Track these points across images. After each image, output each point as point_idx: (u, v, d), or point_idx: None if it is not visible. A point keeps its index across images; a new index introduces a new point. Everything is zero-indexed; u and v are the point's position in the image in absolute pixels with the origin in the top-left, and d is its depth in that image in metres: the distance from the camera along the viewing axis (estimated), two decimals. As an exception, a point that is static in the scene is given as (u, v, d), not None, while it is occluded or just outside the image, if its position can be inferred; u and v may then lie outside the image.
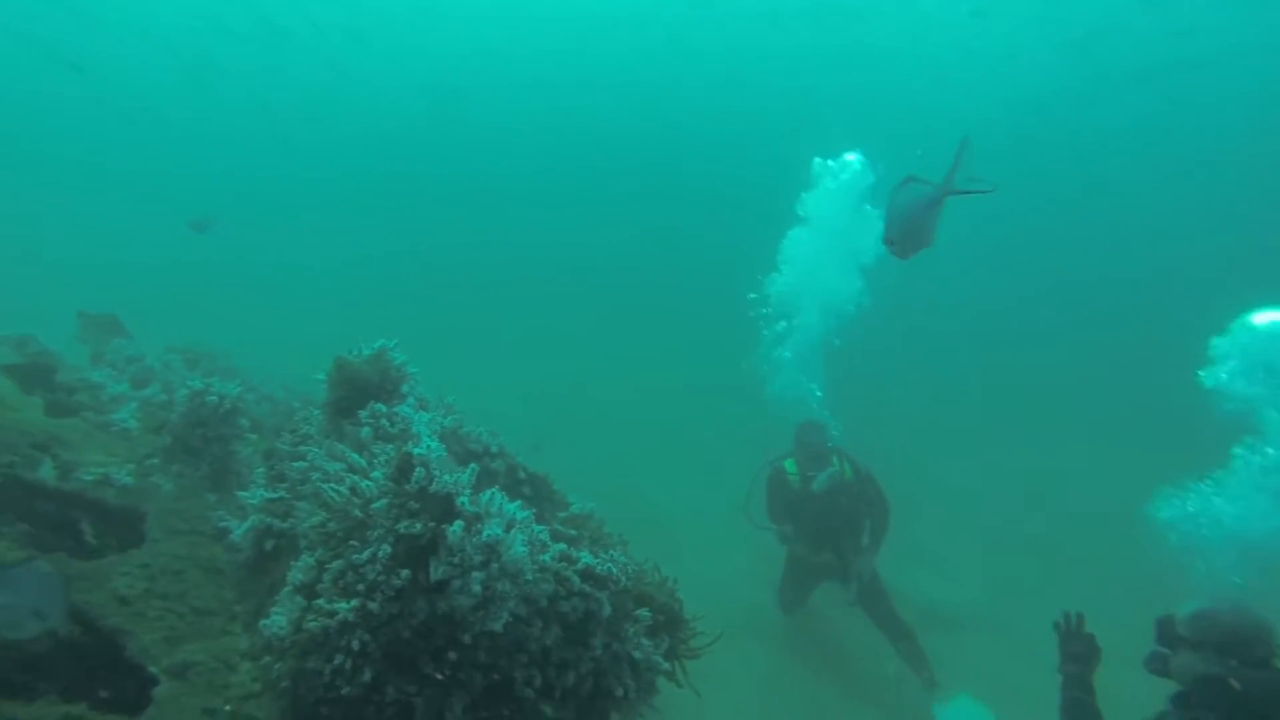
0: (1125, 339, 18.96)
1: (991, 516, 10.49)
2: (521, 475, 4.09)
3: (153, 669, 3.03)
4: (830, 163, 9.46)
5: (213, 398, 4.55)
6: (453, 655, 2.60)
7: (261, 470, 3.86)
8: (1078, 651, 3.49)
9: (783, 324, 9.48)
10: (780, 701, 6.27)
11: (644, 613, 3.01)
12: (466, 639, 2.58)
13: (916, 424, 13.66)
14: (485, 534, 2.61)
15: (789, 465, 7.08)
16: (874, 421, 10.54)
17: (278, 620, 2.65)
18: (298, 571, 2.75)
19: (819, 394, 9.00)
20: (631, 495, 9.01)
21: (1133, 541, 8.20)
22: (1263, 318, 6.41)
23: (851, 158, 9.32)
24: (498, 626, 2.58)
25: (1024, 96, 21.94)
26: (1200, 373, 6.67)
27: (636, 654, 2.88)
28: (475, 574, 2.56)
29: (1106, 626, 3.76)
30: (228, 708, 2.88)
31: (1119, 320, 20.67)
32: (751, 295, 9.70)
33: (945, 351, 19.37)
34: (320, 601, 2.57)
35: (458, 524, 2.59)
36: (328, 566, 2.66)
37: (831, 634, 7.20)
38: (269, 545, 3.39)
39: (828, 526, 6.82)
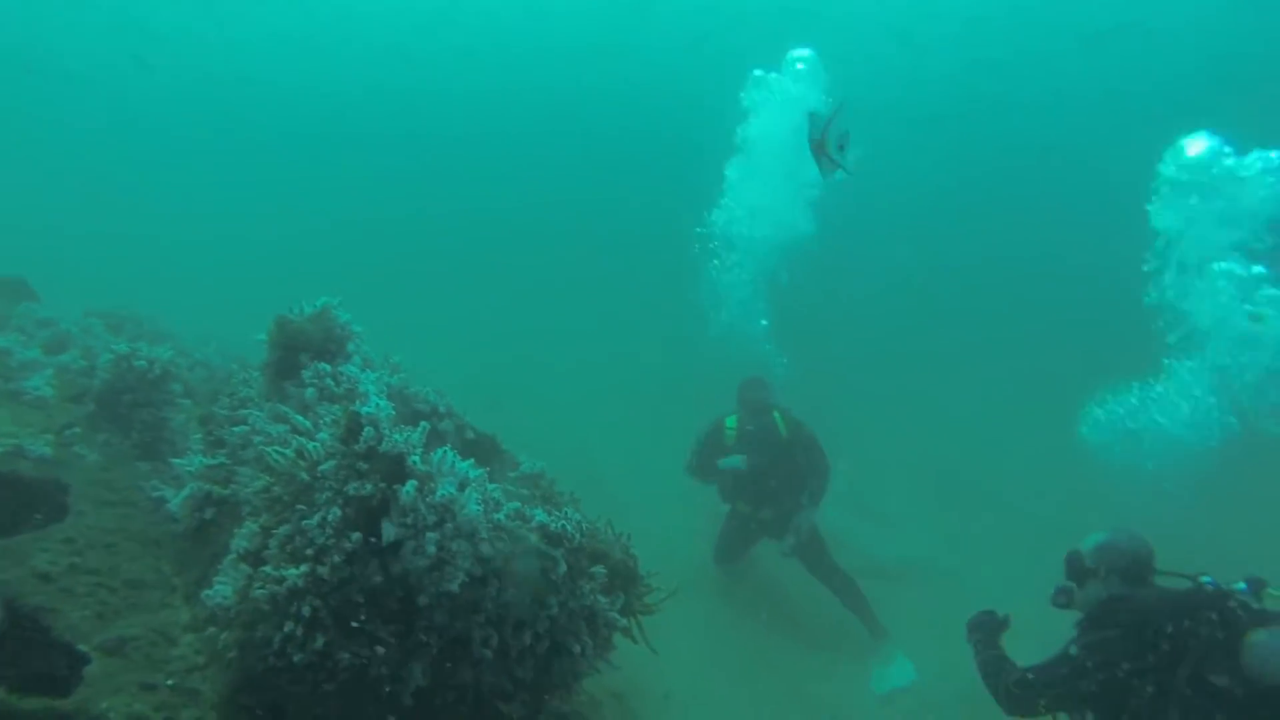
0: (1071, 293, 19.46)
1: (932, 465, 10.72)
2: (470, 435, 4.03)
3: (83, 647, 2.88)
4: (771, 75, 8.74)
5: (141, 362, 4.31)
6: (408, 618, 2.55)
7: (198, 436, 3.69)
8: (978, 623, 3.83)
9: (724, 251, 9.17)
10: (727, 651, 6.40)
11: (599, 569, 3.01)
12: (422, 601, 2.53)
13: (856, 374, 13.81)
14: (439, 493, 2.55)
15: (730, 421, 7.05)
16: (815, 372, 10.59)
17: (222, 590, 2.55)
18: (241, 539, 2.65)
19: (765, 323, 8.84)
20: (575, 454, 8.89)
21: (1070, 481, 8.60)
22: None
23: (804, 52, 8.56)
24: (454, 587, 2.54)
25: (986, 56, 22.02)
26: (1144, 294, 7.03)
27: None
28: (429, 534, 2.51)
29: (1042, 570, 3.94)
30: (169, 682, 2.77)
31: (1065, 276, 21.12)
32: (699, 230, 9.44)
33: (891, 300, 19.54)
34: (267, 568, 2.48)
35: (410, 484, 2.52)
36: (274, 532, 2.57)
37: (770, 584, 7.35)
38: (209, 513, 3.26)
39: (767, 484, 6.86)
